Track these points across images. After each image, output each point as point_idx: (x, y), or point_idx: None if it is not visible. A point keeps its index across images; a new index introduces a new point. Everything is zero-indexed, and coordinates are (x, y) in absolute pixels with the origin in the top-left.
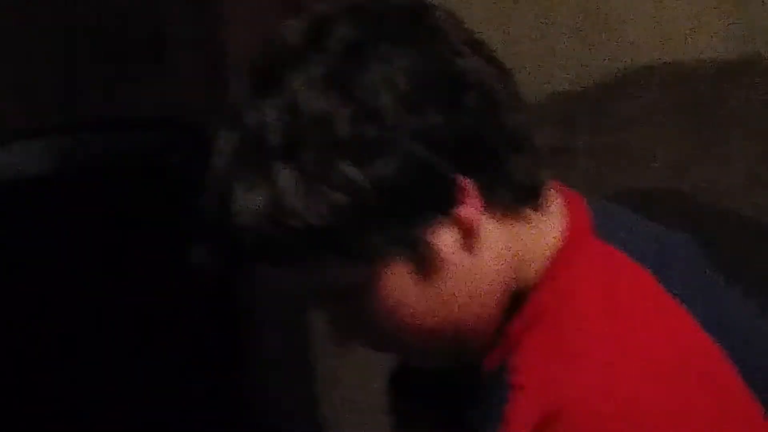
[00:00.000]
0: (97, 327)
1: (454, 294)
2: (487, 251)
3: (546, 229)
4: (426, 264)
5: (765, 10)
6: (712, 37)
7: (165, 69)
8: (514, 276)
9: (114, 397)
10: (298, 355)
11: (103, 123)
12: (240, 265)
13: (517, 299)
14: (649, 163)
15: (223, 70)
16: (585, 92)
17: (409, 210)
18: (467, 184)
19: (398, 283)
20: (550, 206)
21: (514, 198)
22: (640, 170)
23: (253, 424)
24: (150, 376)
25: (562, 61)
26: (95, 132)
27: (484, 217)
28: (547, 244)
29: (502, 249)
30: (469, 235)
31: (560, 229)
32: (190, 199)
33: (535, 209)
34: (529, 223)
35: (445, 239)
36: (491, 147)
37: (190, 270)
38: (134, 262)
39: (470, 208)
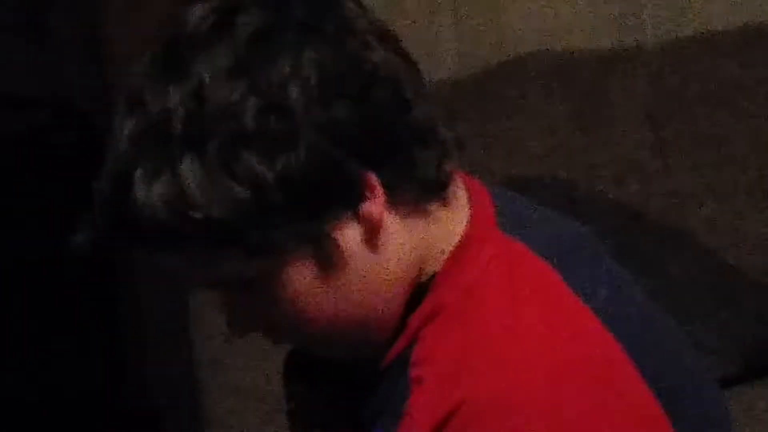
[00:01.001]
0: None
1: (356, 290)
2: (391, 248)
3: (451, 223)
4: (329, 260)
5: (647, 0)
6: (592, 26)
7: (41, 47)
8: (417, 271)
9: None
10: (179, 338)
11: None
12: (133, 250)
13: (419, 292)
14: (531, 151)
15: (100, 50)
16: (467, 80)
17: (313, 205)
18: (372, 180)
19: (300, 277)
20: (454, 199)
21: (420, 193)
22: (522, 158)
23: (133, 408)
24: (27, 364)
25: (444, 49)
26: None
27: (388, 214)
28: (451, 238)
29: (406, 245)
30: (373, 231)
31: (464, 223)
32: (73, 178)
33: (441, 203)
34: (434, 218)
35: (349, 235)
36: (398, 142)
37: (72, 252)
38: (14, 241)
39: (375, 205)
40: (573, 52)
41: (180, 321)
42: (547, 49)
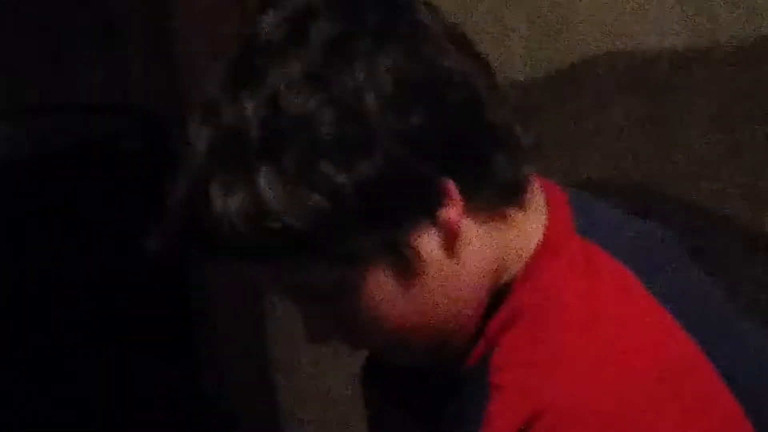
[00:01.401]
0: (47, 314)
1: (435, 297)
2: (470, 253)
3: (528, 227)
4: (408, 267)
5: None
6: (667, 25)
7: (113, 53)
8: (496, 276)
9: (65, 387)
10: (255, 342)
11: (54, 107)
12: (207, 259)
13: (497, 297)
14: (603, 153)
15: (172, 55)
16: (538, 81)
17: (391, 213)
18: (450, 185)
19: (379, 285)
20: (532, 203)
21: (498, 197)
22: (594, 160)
23: (209, 413)
24: (104, 368)
25: (516, 51)
26: (46, 116)
27: (466, 219)
28: (529, 242)
29: (484, 250)
30: (451, 237)
31: (542, 227)
32: (146, 185)
33: (518, 207)
34: (511, 222)
35: (428, 242)
36: (475, 146)
37: (145, 257)
38: (87, 247)
39: (453, 211)
40: (644, 52)
41: (255, 324)
42: (619, 50)
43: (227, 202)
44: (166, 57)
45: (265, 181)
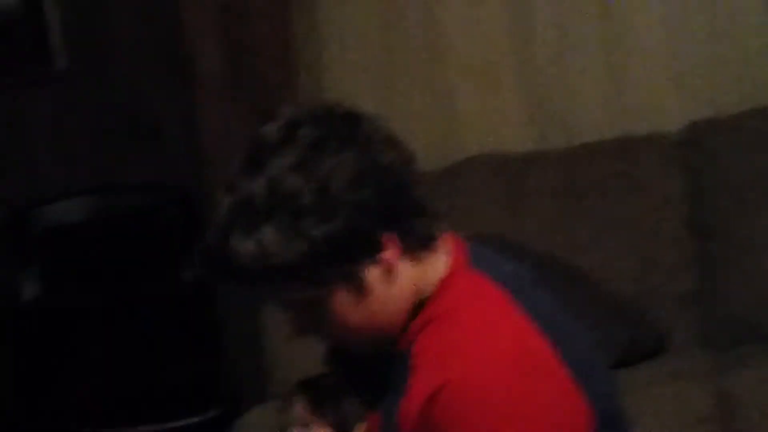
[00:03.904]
0: (118, 321)
1: (376, 309)
2: (401, 281)
3: (438, 264)
4: (360, 290)
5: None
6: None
7: (161, 147)
8: (416, 296)
9: (121, 375)
10: (256, 342)
11: (118, 187)
12: (225, 285)
13: (418, 307)
14: (478, 226)
15: (201, 151)
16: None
17: (349, 255)
18: (390, 237)
19: (341, 301)
20: (441, 248)
21: (419, 246)
22: (472, 227)
23: (221, 391)
24: (152, 367)
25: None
26: (112, 194)
27: (400, 260)
28: (438, 273)
29: (410, 279)
30: (389, 271)
31: (447, 263)
32: (179, 243)
33: (432, 251)
34: (427, 261)
35: (373, 274)
36: (404, 213)
37: (180, 289)
38: (140, 281)
39: (391, 254)
40: (569, 147)
41: (257, 330)
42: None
43: (243, 248)
44: (195, 151)
45: (268, 234)
